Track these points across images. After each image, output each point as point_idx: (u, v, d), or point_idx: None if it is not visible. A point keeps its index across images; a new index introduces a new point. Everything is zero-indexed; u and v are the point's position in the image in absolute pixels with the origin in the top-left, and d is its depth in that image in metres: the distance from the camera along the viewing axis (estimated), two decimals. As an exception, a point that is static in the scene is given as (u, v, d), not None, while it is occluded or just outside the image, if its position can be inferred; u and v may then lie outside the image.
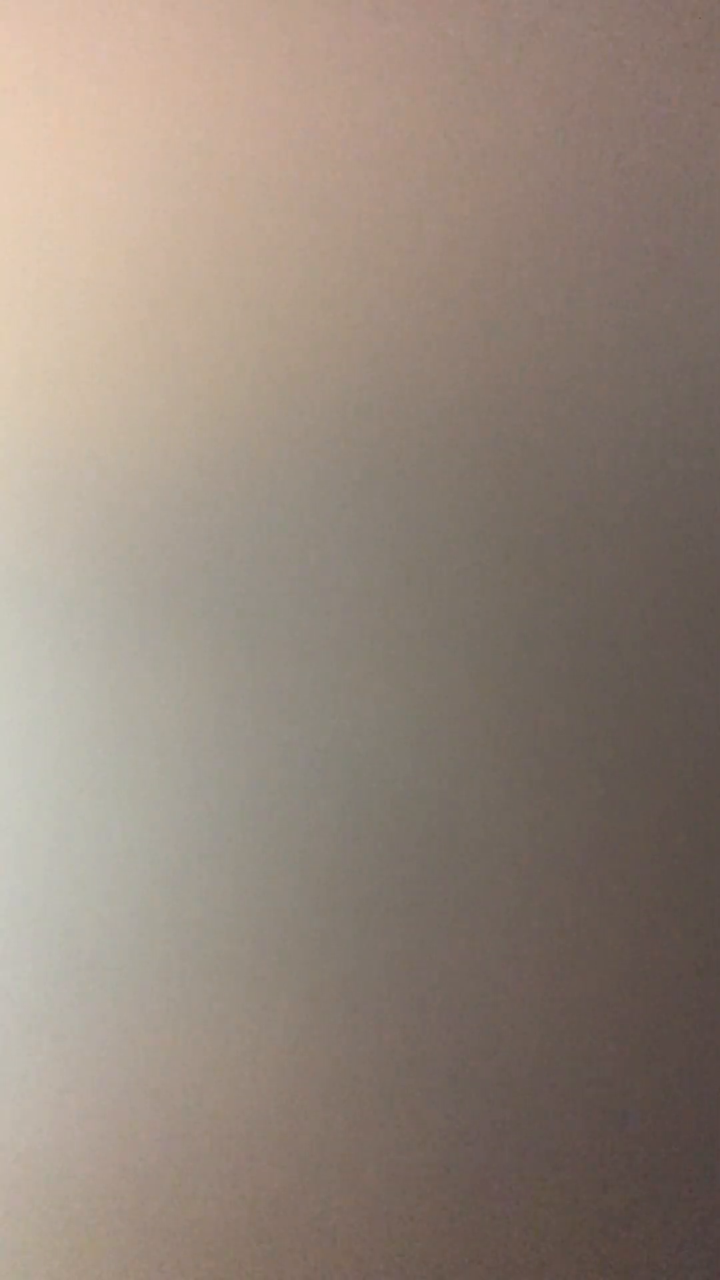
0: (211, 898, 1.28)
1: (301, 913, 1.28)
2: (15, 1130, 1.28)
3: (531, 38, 1.30)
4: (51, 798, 1.29)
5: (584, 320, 1.30)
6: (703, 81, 1.30)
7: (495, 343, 1.30)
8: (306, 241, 1.30)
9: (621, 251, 1.30)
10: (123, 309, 1.30)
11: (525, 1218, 1.28)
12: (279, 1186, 1.28)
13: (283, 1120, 1.28)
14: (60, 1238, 1.28)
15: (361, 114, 1.30)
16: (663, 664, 1.29)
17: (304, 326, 1.30)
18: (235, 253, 1.30)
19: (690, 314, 1.30)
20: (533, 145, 1.30)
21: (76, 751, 1.29)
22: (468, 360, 1.29)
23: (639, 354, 1.30)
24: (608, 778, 1.28)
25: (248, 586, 1.29)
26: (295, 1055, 1.28)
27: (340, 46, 1.30)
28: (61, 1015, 1.28)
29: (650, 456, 1.29)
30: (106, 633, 1.29)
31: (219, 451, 1.30)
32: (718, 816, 1.28)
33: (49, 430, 1.30)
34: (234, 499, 1.29)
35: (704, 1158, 1.28)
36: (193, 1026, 1.28)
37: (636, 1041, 1.28)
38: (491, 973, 1.28)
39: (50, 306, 1.31)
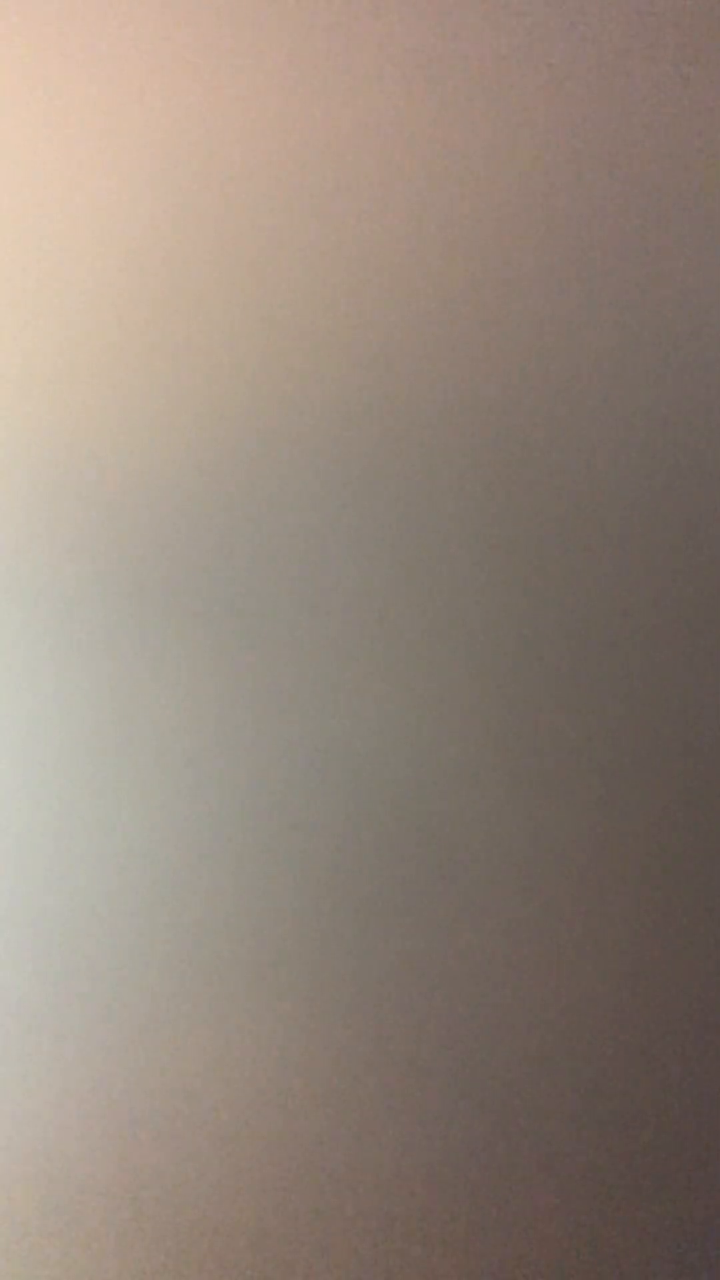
0: (211, 898, 1.28)
1: (301, 913, 1.28)
2: (15, 1130, 1.28)
3: (532, 38, 1.30)
4: (51, 798, 1.29)
5: (584, 321, 1.30)
6: (703, 81, 1.30)
7: (495, 343, 1.30)
8: (306, 241, 1.30)
9: (622, 252, 1.30)
10: (123, 309, 1.30)
11: (526, 1218, 1.28)
12: (279, 1186, 1.28)
13: (283, 1120, 1.28)
14: (60, 1238, 1.28)
15: (362, 114, 1.30)
16: (662, 664, 1.29)
17: (304, 327, 1.30)
18: (235, 253, 1.30)
19: (691, 314, 1.30)
20: (533, 146, 1.30)
21: (76, 751, 1.29)
22: (468, 361, 1.29)
23: (639, 354, 1.30)
24: (608, 778, 1.28)
25: (248, 586, 1.29)
26: (295, 1055, 1.28)
27: (340, 46, 1.30)
28: (61, 1015, 1.28)
29: (650, 457, 1.29)
30: (106, 633, 1.29)
31: (219, 451, 1.30)
32: (718, 816, 1.28)
33: (49, 430, 1.30)
34: (234, 499, 1.29)
35: (704, 1158, 1.28)
36: (193, 1026, 1.28)
37: (636, 1041, 1.28)
38: (491, 973, 1.28)
39: (50, 306, 1.31)
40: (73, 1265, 1.28)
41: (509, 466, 1.29)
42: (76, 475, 1.30)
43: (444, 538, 1.29)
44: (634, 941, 1.28)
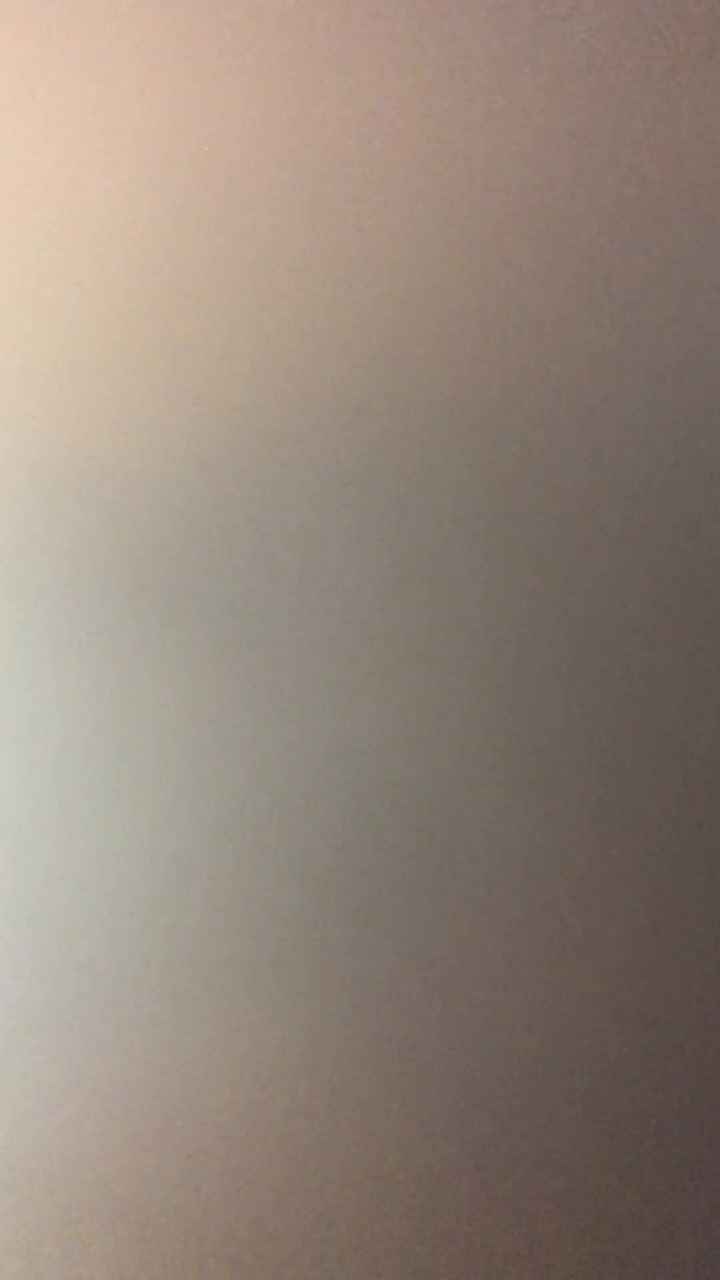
0: (212, 898, 1.28)
1: (302, 913, 1.28)
2: (15, 1130, 1.28)
3: (532, 40, 1.30)
4: (51, 798, 1.29)
5: (584, 321, 1.30)
6: (703, 81, 1.30)
7: (495, 343, 1.30)
8: (307, 242, 1.30)
9: (622, 253, 1.30)
10: (123, 309, 1.30)
11: (526, 1217, 1.28)
12: (279, 1186, 1.28)
13: (283, 1120, 1.28)
14: (60, 1238, 1.28)
15: (362, 115, 1.30)
16: (662, 664, 1.29)
17: (304, 327, 1.30)
18: (235, 253, 1.30)
19: (691, 315, 1.30)
20: (533, 147, 1.30)
21: (76, 751, 1.29)
22: (468, 361, 1.30)
23: (639, 355, 1.30)
24: (608, 778, 1.28)
25: (248, 586, 1.29)
26: (295, 1055, 1.28)
27: (341, 46, 1.30)
28: (61, 1015, 1.28)
29: (650, 457, 1.29)
30: (106, 633, 1.29)
31: (219, 451, 1.30)
32: (718, 816, 1.28)
33: (49, 430, 1.30)
34: (234, 499, 1.29)
35: (705, 1158, 1.28)
36: (193, 1026, 1.28)
37: (637, 1041, 1.28)
38: (491, 973, 1.28)
39: (50, 306, 1.31)
40: (73, 1265, 1.28)
41: (509, 466, 1.29)
42: (76, 475, 1.30)
43: (444, 538, 1.29)
44: (634, 941, 1.28)
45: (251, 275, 1.30)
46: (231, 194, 1.30)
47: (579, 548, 1.29)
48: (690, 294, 1.30)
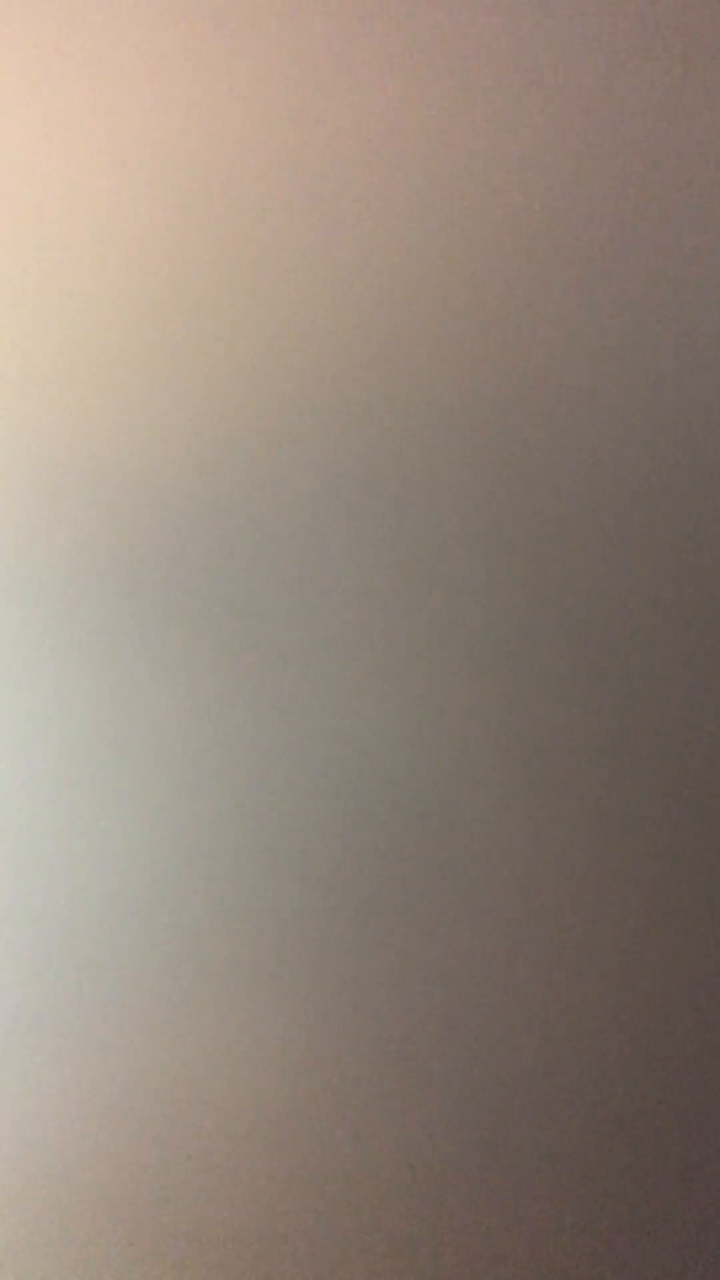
0: (211, 898, 1.28)
1: (301, 913, 1.28)
2: (15, 1130, 1.28)
3: (532, 40, 1.30)
4: (51, 798, 1.29)
5: (585, 322, 1.30)
6: (704, 81, 1.30)
7: (495, 344, 1.30)
8: (307, 242, 1.30)
9: (623, 254, 1.30)
10: (123, 309, 1.30)
11: (525, 1217, 1.28)
12: (279, 1186, 1.28)
13: (283, 1120, 1.28)
14: (60, 1237, 1.28)
15: (362, 115, 1.30)
16: (662, 664, 1.29)
17: (304, 327, 1.30)
18: (235, 253, 1.30)
19: (691, 315, 1.30)
20: (533, 147, 1.30)
21: (76, 751, 1.29)
22: (468, 361, 1.29)
23: (639, 355, 1.30)
24: (608, 778, 1.28)
25: (248, 586, 1.29)
26: (295, 1055, 1.28)
27: (341, 46, 1.30)
28: (61, 1015, 1.28)
29: (650, 457, 1.29)
30: (106, 633, 1.29)
31: (219, 451, 1.30)
32: (718, 816, 1.28)
33: (49, 430, 1.30)
34: (234, 499, 1.29)
35: (705, 1158, 1.28)
36: (193, 1026, 1.28)
37: (637, 1041, 1.28)
38: (491, 973, 1.28)
39: (50, 306, 1.31)
40: (73, 1265, 1.28)
41: (509, 467, 1.29)
42: (76, 475, 1.30)
43: (444, 538, 1.29)
44: (634, 941, 1.28)
45: (251, 275, 1.30)
46: (231, 194, 1.30)
47: (579, 548, 1.29)
48: (690, 294, 1.30)
